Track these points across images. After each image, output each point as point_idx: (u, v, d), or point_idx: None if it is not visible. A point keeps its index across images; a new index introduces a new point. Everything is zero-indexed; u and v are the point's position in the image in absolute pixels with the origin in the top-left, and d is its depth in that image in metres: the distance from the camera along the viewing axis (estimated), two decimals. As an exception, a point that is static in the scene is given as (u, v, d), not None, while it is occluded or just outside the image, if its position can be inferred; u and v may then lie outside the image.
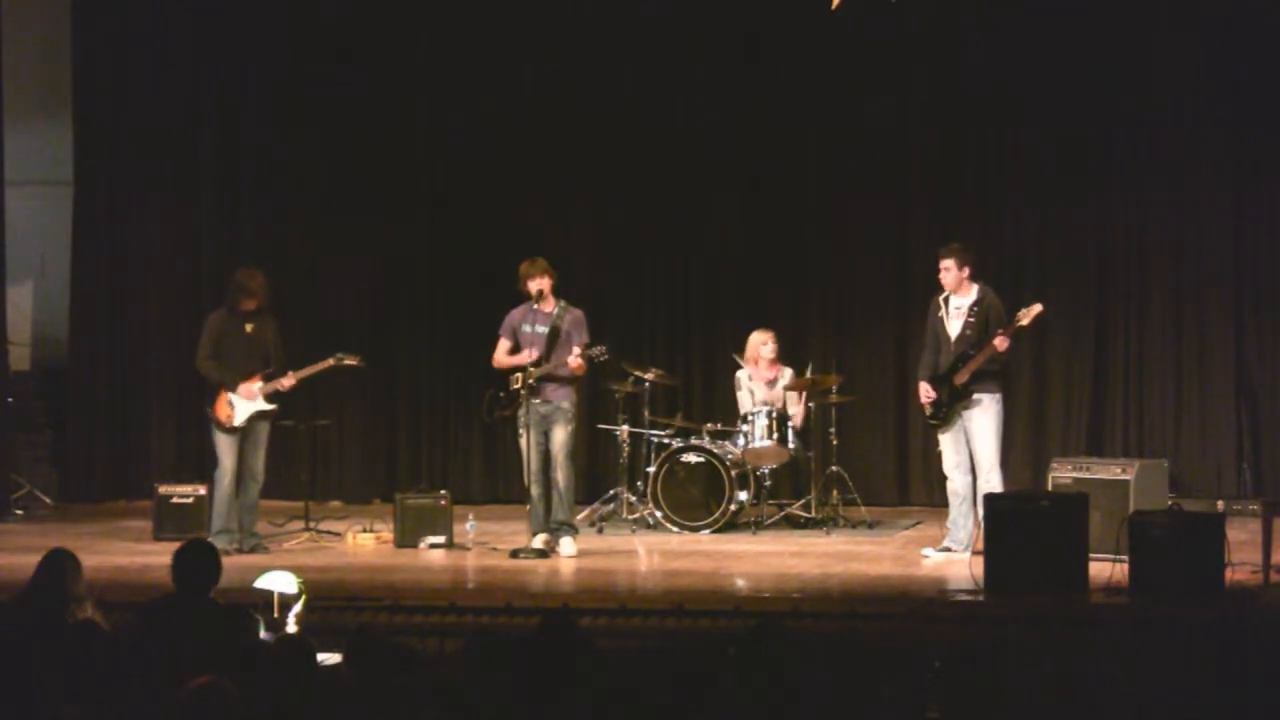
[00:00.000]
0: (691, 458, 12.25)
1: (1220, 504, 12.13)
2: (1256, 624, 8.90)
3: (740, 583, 10.34)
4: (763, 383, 12.64)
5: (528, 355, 11.03)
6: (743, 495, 12.26)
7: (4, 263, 13.59)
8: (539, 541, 11.03)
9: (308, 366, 11.47)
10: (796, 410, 12.54)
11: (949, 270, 10.94)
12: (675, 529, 12.14)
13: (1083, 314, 13.30)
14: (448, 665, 7.26)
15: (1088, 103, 13.27)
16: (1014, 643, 8.41)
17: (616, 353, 11.94)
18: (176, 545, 7.19)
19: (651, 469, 12.35)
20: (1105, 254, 13.40)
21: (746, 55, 13.87)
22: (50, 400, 14.42)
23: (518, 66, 14.07)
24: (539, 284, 11.07)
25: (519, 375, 11.07)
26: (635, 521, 12.41)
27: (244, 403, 11.20)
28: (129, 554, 11.26)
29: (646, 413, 12.74)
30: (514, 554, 11.00)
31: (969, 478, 10.87)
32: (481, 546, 11.40)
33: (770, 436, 12.23)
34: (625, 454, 12.80)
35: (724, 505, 12.14)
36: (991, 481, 10.70)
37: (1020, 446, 13.07)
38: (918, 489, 13.56)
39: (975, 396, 10.81)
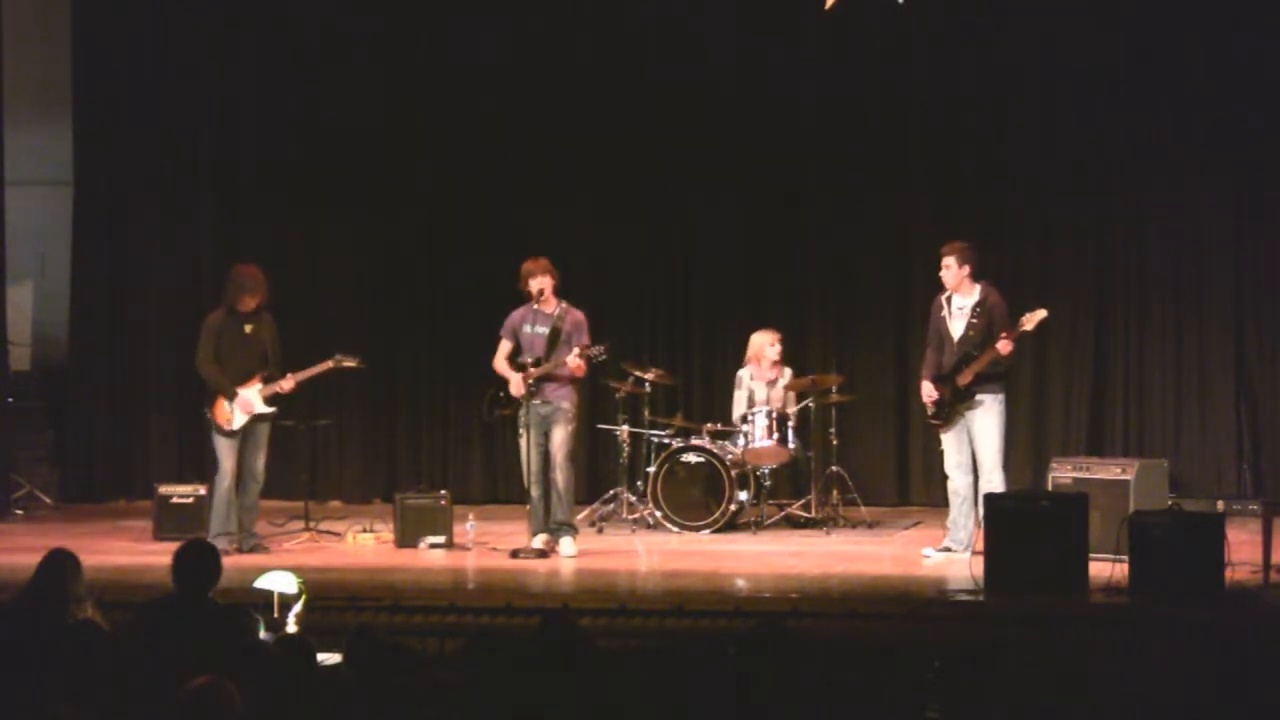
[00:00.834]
0: (691, 458, 12.25)
1: (1220, 504, 12.10)
2: (1256, 624, 8.90)
3: (740, 583, 10.34)
4: (763, 383, 12.64)
5: (518, 378, 10.98)
6: (743, 495, 12.26)
7: (4, 263, 13.59)
8: (539, 541, 11.02)
9: (307, 368, 11.47)
10: (791, 410, 12.51)
11: (949, 269, 10.93)
12: (675, 529, 12.14)
13: (1083, 314, 13.31)
14: (448, 665, 7.26)
15: (1088, 102, 13.28)
16: (1014, 643, 8.40)
17: (616, 353, 11.94)
18: (176, 545, 7.20)
19: (651, 469, 12.35)
20: (1105, 254, 13.40)
21: (747, 55, 13.86)
22: (50, 400, 14.42)
23: (518, 66, 14.07)
24: (540, 283, 11.06)
25: (519, 376, 11.06)
26: (635, 521, 12.41)
27: (242, 413, 11.20)
28: (129, 554, 11.26)
29: (646, 413, 12.75)
30: (514, 554, 11.00)
31: (970, 478, 10.87)
32: (481, 546, 11.40)
33: (770, 436, 12.23)
34: (625, 454, 12.80)
35: (724, 505, 12.14)
36: (993, 482, 10.69)
37: (1020, 446, 13.07)
38: (918, 489, 13.56)
39: (978, 397, 10.81)
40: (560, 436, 11.04)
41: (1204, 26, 13.02)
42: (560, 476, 11.02)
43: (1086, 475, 10.74)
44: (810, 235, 13.94)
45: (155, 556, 10.41)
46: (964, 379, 10.79)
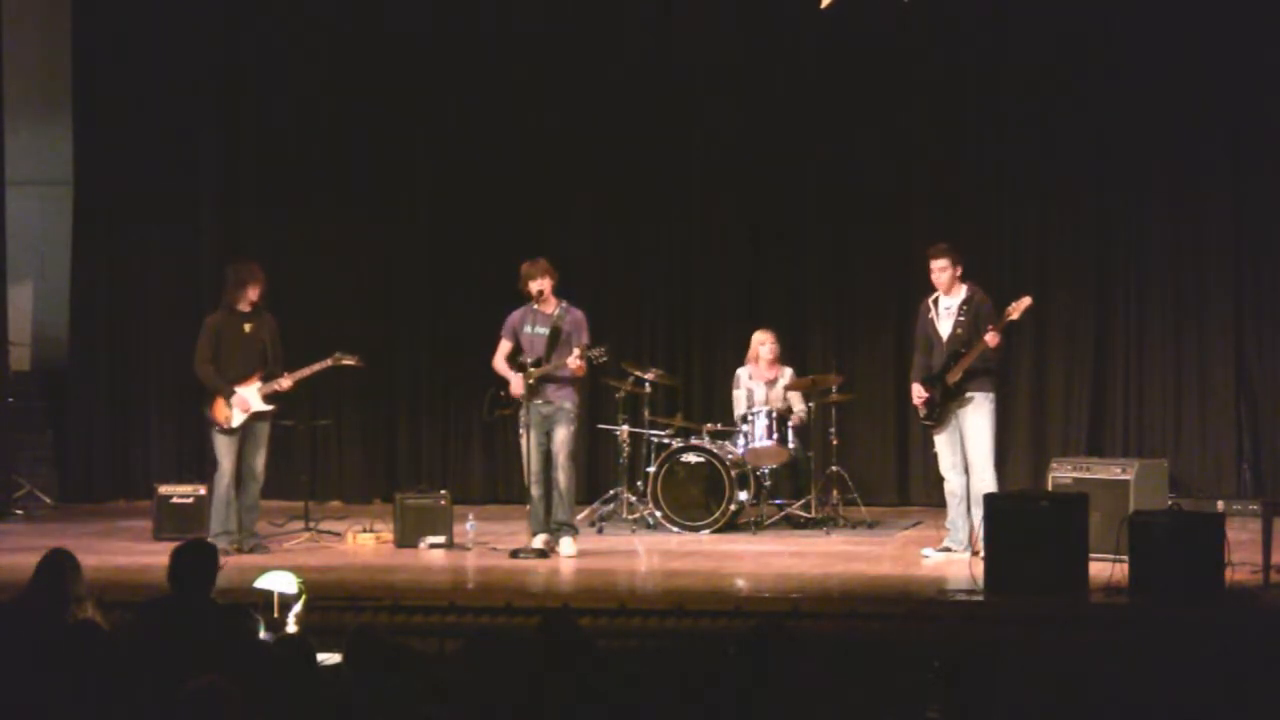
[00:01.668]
0: (691, 458, 12.25)
1: (1220, 504, 12.12)
2: (1256, 624, 8.90)
3: (740, 583, 10.34)
4: (762, 382, 12.65)
5: (519, 379, 10.99)
6: (743, 495, 12.26)
7: (4, 263, 13.59)
8: (539, 541, 11.03)
9: (306, 367, 11.47)
10: (799, 409, 12.53)
11: (945, 270, 10.94)
12: (675, 529, 12.14)
13: (1083, 314, 13.30)
14: (448, 665, 7.26)
15: (1088, 102, 13.27)
16: (1014, 643, 8.41)
17: (616, 353, 11.93)
18: (176, 545, 7.20)
19: (651, 469, 12.35)
20: (1105, 254, 13.40)
21: (746, 55, 13.86)
22: (50, 400, 14.42)
23: (518, 67, 14.07)
24: (540, 284, 11.06)
25: (520, 376, 11.06)
26: (635, 521, 12.41)
27: (241, 412, 11.20)
28: (129, 554, 11.26)
29: (646, 413, 12.74)
30: (514, 554, 11.00)
31: (965, 478, 10.87)
32: (481, 546, 11.40)
33: (770, 436, 12.23)
34: (625, 454, 12.80)
35: (724, 505, 12.14)
36: (984, 480, 10.70)
37: (1020, 446, 13.08)
38: (918, 489, 13.56)
39: (969, 395, 10.81)
40: (562, 436, 11.04)
41: (1204, 26, 13.01)
42: (562, 476, 11.03)
43: (1086, 475, 10.73)
44: (810, 235, 13.93)
45: (155, 556, 10.40)
46: (953, 377, 10.80)
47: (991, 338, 10.71)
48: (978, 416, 10.82)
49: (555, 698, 5.74)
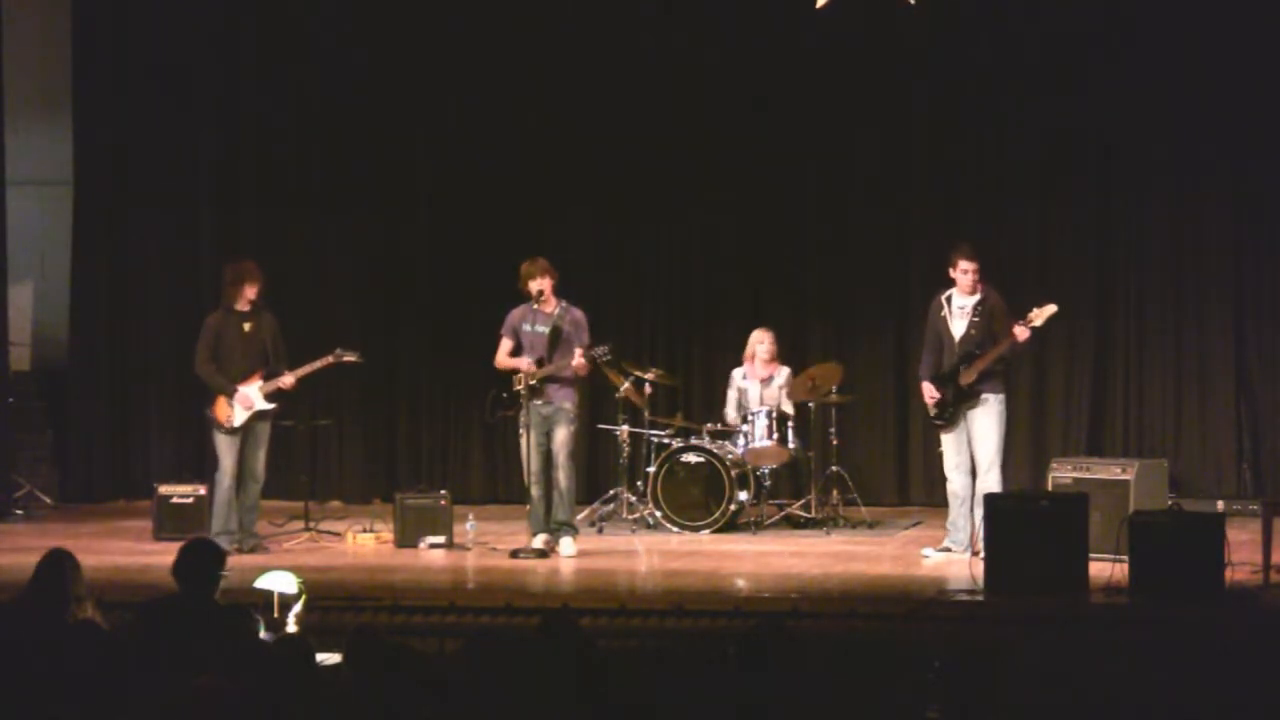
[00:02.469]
0: (691, 458, 12.24)
1: (1220, 504, 12.13)
2: (1256, 624, 8.90)
3: (740, 583, 10.34)
4: (757, 381, 12.64)
5: (526, 362, 11.02)
6: (743, 495, 12.26)
7: (4, 263, 13.58)
8: (539, 541, 11.03)
9: (307, 364, 11.48)
10: (788, 410, 12.49)
11: (972, 273, 10.90)
12: (675, 529, 12.14)
13: (1083, 314, 13.29)
14: (448, 665, 7.26)
15: (1088, 102, 13.27)
16: (1014, 643, 8.41)
17: (617, 353, 11.93)
18: (176, 545, 7.19)
19: (651, 469, 12.35)
20: (1105, 254, 13.40)
21: (746, 56, 13.85)
22: (50, 400, 14.41)
23: (517, 66, 14.06)
24: (540, 284, 11.07)
25: (521, 376, 11.07)
26: (635, 521, 12.41)
27: (243, 409, 11.21)
28: (129, 554, 11.26)
29: (646, 413, 12.74)
30: (514, 554, 11.00)
31: (969, 479, 10.87)
32: (481, 546, 11.40)
33: (770, 436, 12.23)
34: (625, 454, 12.79)
35: (724, 505, 12.14)
36: (989, 481, 10.70)
37: (1020, 446, 13.07)
38: (918, 489, 13.56)
39: (982, 396, 10.81)
40: (562, 436, 11.04)
41: (1204, 26, 13.01)
42: (562, 476, 11.03)
43: (1086, 475, 10.73)
44: (810, 235, 13.94)
45: (155, 556, 10.42)
46: (967, 378, 10.79)
47: (1021, 331, 10.68)
48: (988, 419, 10.82)
49: (555, 698, 5.74)
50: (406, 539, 11.58)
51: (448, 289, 14.20)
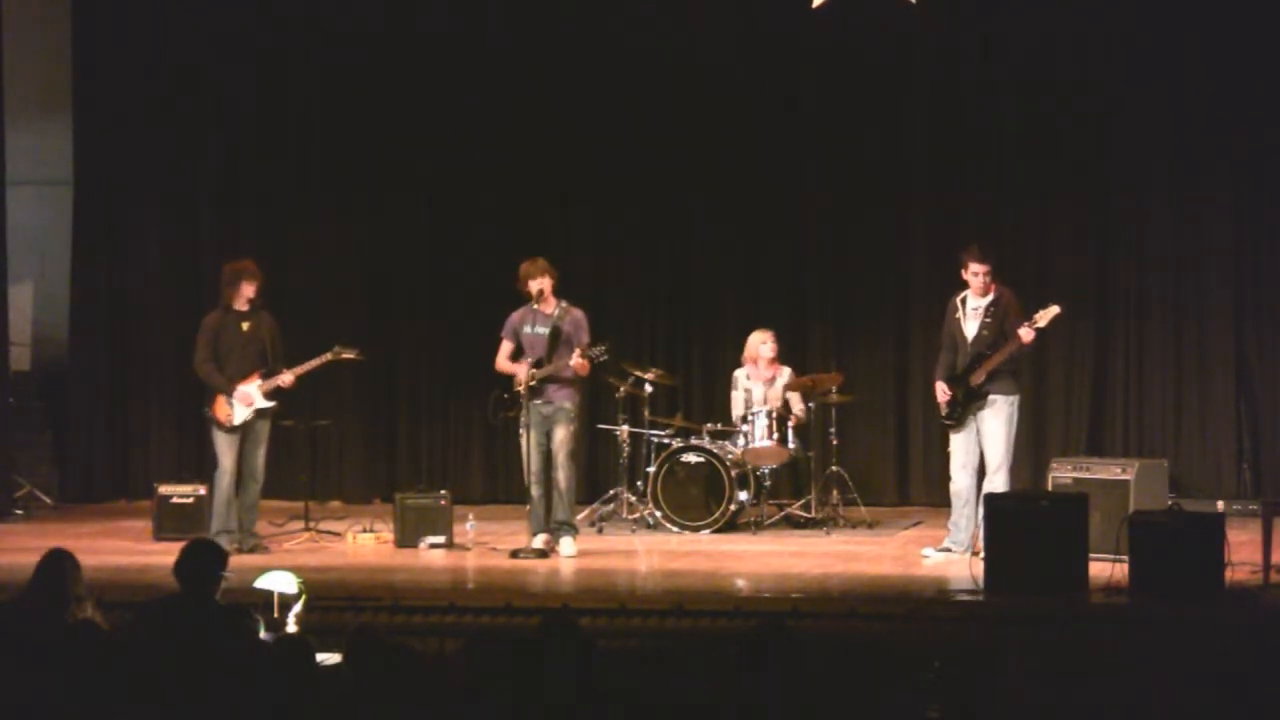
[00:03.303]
0: (691, 458, 12.24)
1: (1220, 504, 12.13)
2: (1256, 624, 8.90)
3: (740, 583, 10.34)
4: (761, 382, 12.64)
5: (524, 368, 11.00)
6: (743, 495, 12.26)
7: (4, 263, 13.58)
8: (539, 541, 11.03)
9: (306, 362, 11.48)
10: (798, 409, 12.53)
11: (983, 275, 10.88)
12: (675, 529, 12.14)
13: (1083, 314, 13.28)
14: (448, 665, 7.26)
15: (1088, 102, 13.28)
16: (1014, 643, 8.40)
17: (616, 353, 11.94)
18: (176, 545, 7.19)
19: (651, 469, 12.35)
20: (1105, 255, 13.40)
21: (746, 56, 13.85)
22: (50, 400, 14.42)
23: (517, 66, 14.06)
24: (539, 284, 11.07)
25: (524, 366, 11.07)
26: (635, 521, 12.40)
27: (243, 407, 11.21)
28: (129, 554, 11.26)
29: (646, 413, 12.74)
30: (514, 554, 11.00)
31: (973, 479, 10.86)
32: (481, 546, 11.40)
33: (770, 436, 12.23)
34: (625, 454, 12.79)
35: (724, 505, 12.14)
36: (996, 482, 10.69)
37: (1020, 446, 13.04)
38: (918, 489, 13.56)
39: (990, 397, 10.81)
40: (562, 436, 11.04)
41: (1204, 27, 13.01)
42: (562, 476, 11.03)
43: (1086, 475, 10.74)
44: (810, 235, 13.93)
45: (155, 556, 10.42)
46: (977, 378, 10.80)
47: (1026, 333, 10.68)
48: (997, 420, 10.81)
49: (555, 698, 5.74)
50: (406, 539, 11.57)
51: (448, 289, 14.20)
